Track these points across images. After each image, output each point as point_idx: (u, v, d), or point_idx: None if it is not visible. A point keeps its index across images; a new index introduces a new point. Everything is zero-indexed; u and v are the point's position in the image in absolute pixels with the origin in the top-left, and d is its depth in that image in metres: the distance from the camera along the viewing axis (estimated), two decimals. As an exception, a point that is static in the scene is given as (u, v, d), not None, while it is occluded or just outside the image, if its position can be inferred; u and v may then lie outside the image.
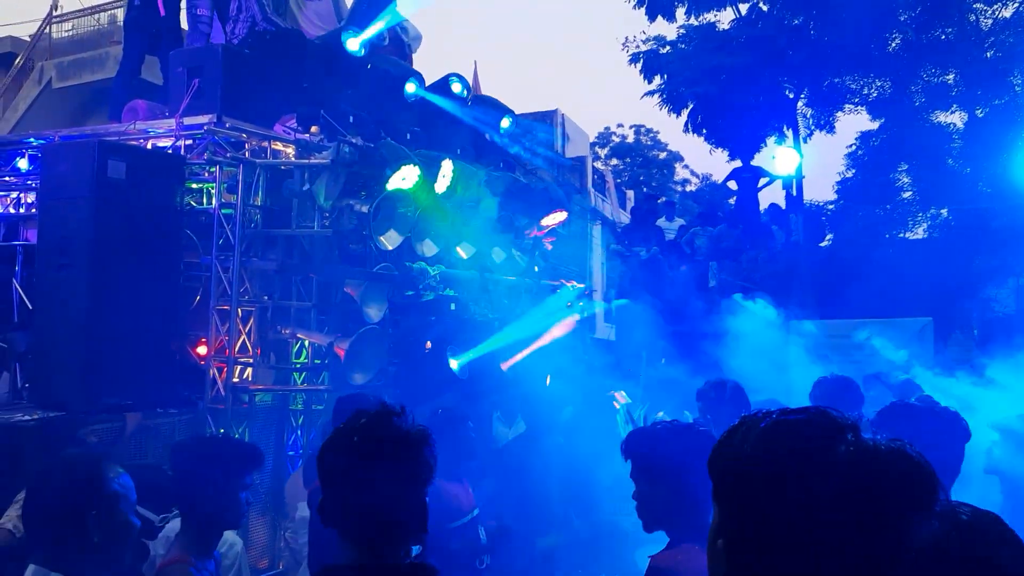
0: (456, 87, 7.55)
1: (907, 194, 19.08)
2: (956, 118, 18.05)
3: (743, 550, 1.29)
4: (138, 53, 7.98)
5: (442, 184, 6.18)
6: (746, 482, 1.30)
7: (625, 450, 2.94)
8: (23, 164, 6.67)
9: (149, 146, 5.95)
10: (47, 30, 18.43)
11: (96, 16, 18.68)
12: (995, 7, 16.56)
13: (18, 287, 6.27)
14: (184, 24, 7.88)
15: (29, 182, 6.67)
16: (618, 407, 7.45)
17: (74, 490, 2.56)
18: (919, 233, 18.78)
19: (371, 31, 6.78)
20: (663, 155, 41.02)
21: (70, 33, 18.73)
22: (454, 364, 6.37)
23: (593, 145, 29.11)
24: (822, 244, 17.77)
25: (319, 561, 4.24)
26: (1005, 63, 16.22)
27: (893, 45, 17.09)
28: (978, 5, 16.56)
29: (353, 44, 6.58)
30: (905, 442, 1.28)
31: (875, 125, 19.22)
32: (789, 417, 1.33)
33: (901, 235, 18.60)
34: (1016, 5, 16.30)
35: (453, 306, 6.04)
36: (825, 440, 1.26)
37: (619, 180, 27.26)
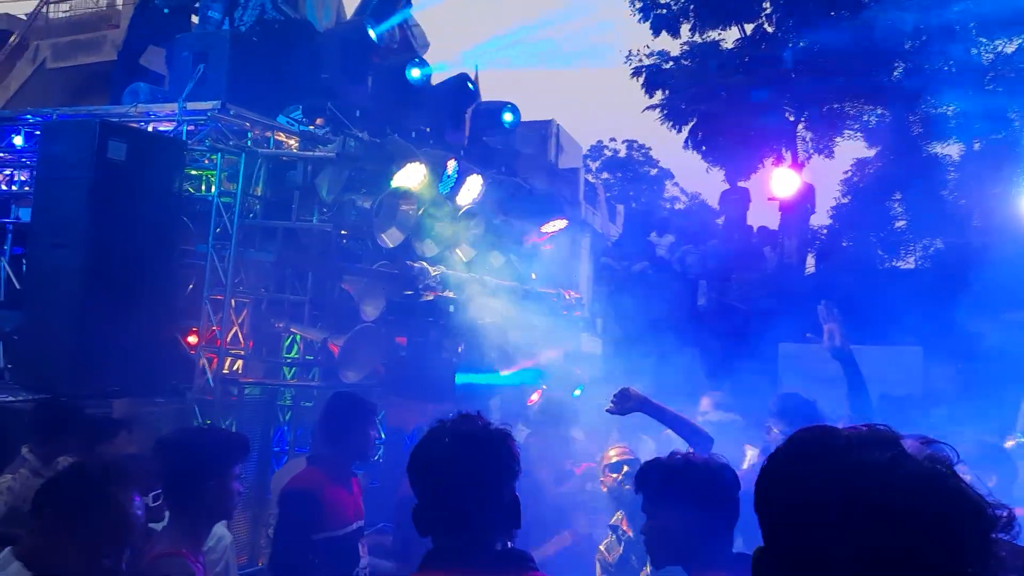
0: (469, 85, 7.52)
1: (900, 223, 19.17)
2: (953, 150, 18.19)
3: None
4: (142, 39, 7.86)
5: (446, 184, 6.10)
6: (801, 507, 1.22)
7: (639, 482, 2.80)
8: (19, 141, 6.55)
9: (151, 129, 5.83)
10: (44, 10, 18.28)
11: (95, -1, 18.52)
12: (997, 42, 16.69)
13: (6, 266, 6.13)
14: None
15: (24, 159, 6.54)
16: None
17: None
18: (910, 263, 18.88)
19: (389, 22, 6.77)
20: (654, 171, 41.14)
21: (68, 14, 18.55)
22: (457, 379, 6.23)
23: (585, 158, 29.10)
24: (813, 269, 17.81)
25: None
26: (1004, 98, 16.33)
27: (896, 74, 17.18)
28: (981, 39, 16.68)
29: (371, 33, 6.53)
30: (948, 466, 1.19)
31: (871, 153, 19.34)
32: (842, 439, 1.24)
33: (893, 263, 18.69)
34: (1019, 41, 16.43)
35: (452, 308, 5.93)
36: (882, 459, 1.17)
37: (609, 194, 27.24)
